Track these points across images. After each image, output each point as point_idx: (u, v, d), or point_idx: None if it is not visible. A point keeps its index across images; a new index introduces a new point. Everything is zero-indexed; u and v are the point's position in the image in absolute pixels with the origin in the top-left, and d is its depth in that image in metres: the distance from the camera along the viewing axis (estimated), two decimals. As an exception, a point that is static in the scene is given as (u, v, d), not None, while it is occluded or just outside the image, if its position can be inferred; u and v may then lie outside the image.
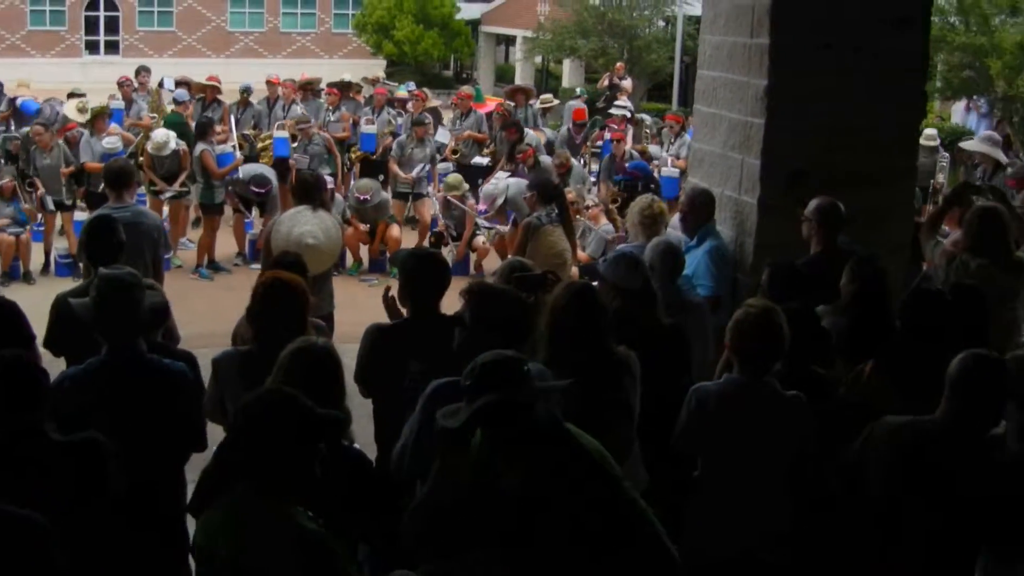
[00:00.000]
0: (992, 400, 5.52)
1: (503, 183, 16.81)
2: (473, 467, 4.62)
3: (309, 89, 21.36)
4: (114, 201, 9.71)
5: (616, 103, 25.76)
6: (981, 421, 5.57)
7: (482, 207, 16.90)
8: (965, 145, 15.66)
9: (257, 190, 16.84)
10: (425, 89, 23.16)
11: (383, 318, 7.20)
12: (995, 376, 5.48)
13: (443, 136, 20.11)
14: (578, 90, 28.76)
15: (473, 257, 17.30)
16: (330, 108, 20.60)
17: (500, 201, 16.46)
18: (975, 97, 25.63)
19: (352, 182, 18.81)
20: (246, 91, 20.84)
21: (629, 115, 23.13)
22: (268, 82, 21.31)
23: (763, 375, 6.15)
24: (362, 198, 16.81)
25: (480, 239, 17.05)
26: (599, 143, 21.26)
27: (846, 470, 5.88)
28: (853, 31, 8.87)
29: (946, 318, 6.63)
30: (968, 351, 5.61)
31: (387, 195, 17.89)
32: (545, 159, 17.60)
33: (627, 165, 17.52)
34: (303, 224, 10.23)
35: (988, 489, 5.43)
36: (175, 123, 18.57)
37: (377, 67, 50.85)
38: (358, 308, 11.56)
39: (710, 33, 9.85)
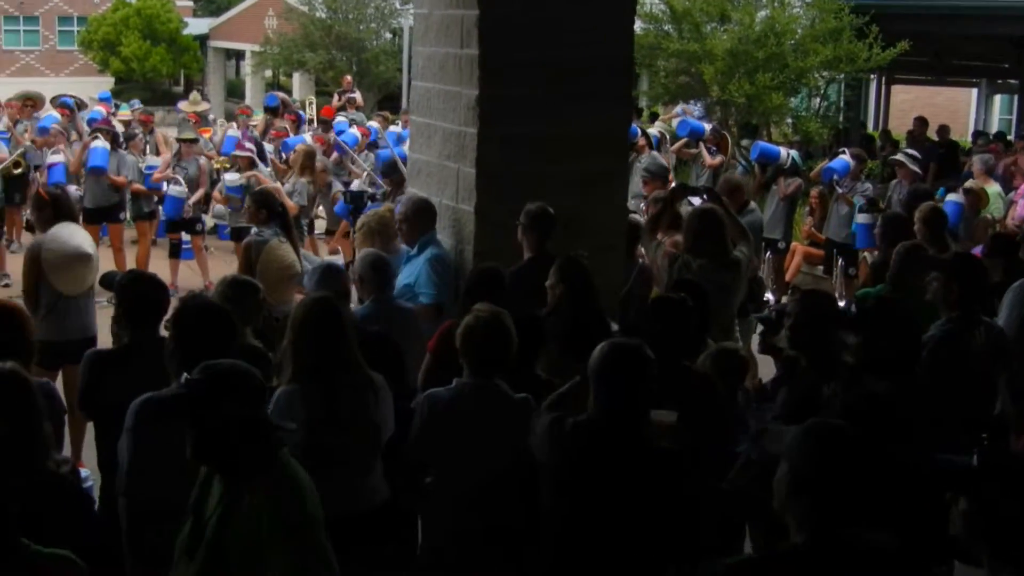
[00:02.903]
0: (634, 386, 5.43)
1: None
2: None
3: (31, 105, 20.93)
4: None
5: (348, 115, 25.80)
6: (629, 409, 5.45)
7: None
8: None
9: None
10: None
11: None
12: (634, 362, 5.45)
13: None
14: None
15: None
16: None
17: None
18: (692, 101, 26.44)
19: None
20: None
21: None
22: None
23: (492, 378, 6.24)
24: None
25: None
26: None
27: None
28: (558, 39, 9.07)
29: (684, 318, 6.83)
30: (606, 340, 5.66)
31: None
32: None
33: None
34: (78, 235, 10.02)
35: (650, 481, 5.39)
36: None
37: (105, 84, 49.77)
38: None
39: (422, 45, 10.00)
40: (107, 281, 7.55)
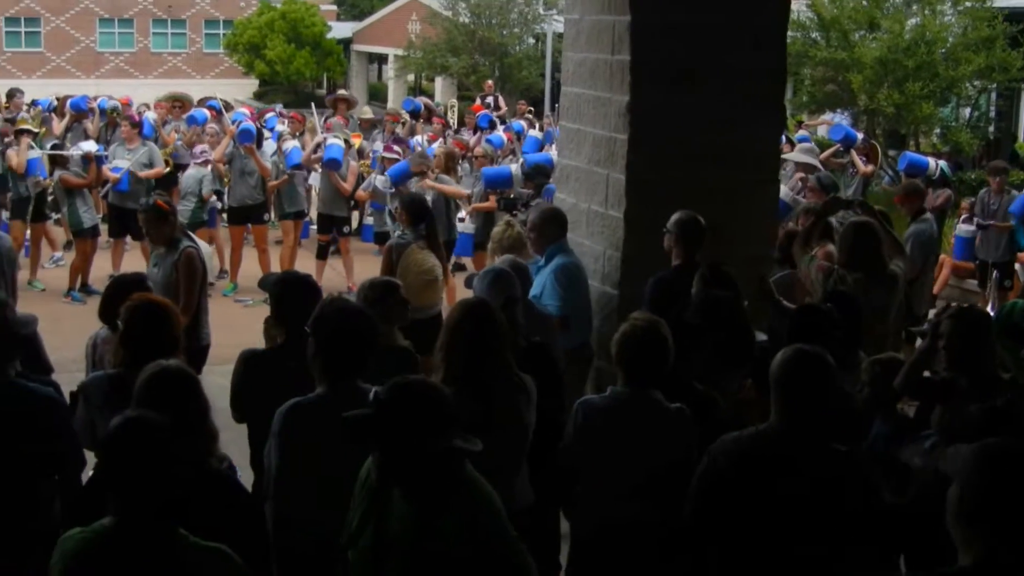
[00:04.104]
0: (819, 394, 5.36)
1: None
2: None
3: (179, 106, 21.32)
4: None
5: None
6: (814, 418, 5.38)
7: None
8: (786, 156, 16.03)
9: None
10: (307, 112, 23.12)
11: (259, 339, 7.19)
12: (817, 369, 5.37)
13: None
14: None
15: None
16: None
17: None
18: (839, 110, 26.11)
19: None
20: (115, 111, 20.64)
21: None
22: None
23: (648, 388, 6.15)
24: None
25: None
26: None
27: (692, 499, 5.71)
28: (710, 46, 8.99)
29: (829, 329, 6.71)
30: (789, 347, 5.54)
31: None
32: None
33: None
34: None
35: (834, 490, 5.34)
36: None
37: (250, 87, 50.68)
38: (234, 330, 11.54)
39: (572, 50, 9.96)
40: (264, 282, 7.58)
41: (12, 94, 22.97)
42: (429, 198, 14.47)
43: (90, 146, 17.24)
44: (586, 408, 6.26)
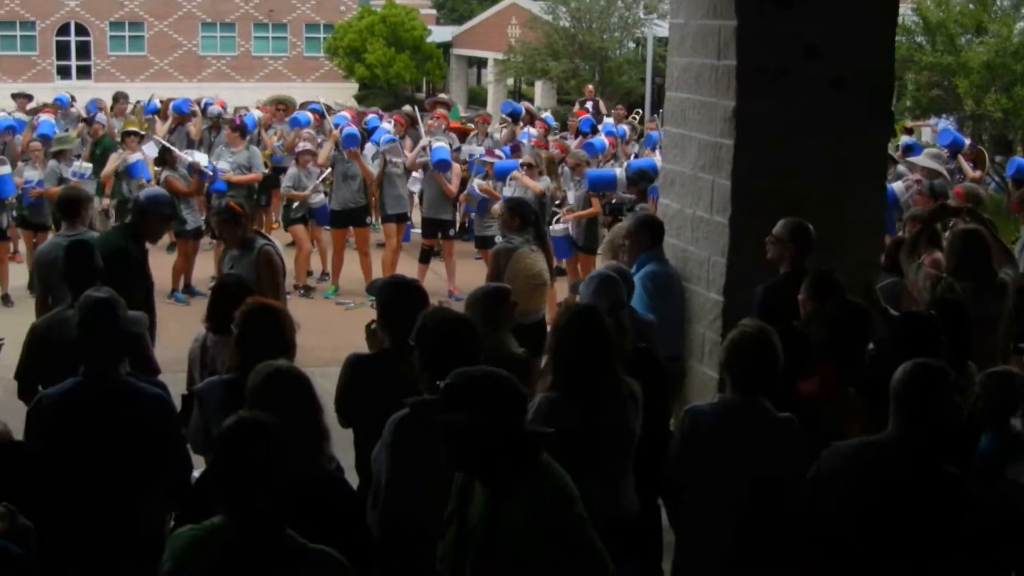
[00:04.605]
0: (939, 409, 5.34)
1: None
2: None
3: (282, 109, 21.53)
4: (67, 229, 9.60)
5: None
6: (932, 432, 5.35)
7: None
8: (913, 160, 15.81)
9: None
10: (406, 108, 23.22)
11: (359, 342, 7.21)
12: (940, 384, 5.34)
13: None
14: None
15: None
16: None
17: None
18: (944, 115, 25.79)
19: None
20: (218, 117, 20.89)
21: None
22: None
23: (757, 395, 6.10)
24: None
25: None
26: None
27: (803, 502, 5.72)
28: (818, 52, 8.89)
29: (935, 337, 6.60)
30: (911, 360, 5.47)
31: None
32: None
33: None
34: None
35: (950, 507, 5.30)
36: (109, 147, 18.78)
37: (350, 90, 50.98)
38: (333, 332, 11.59)
39: (677, 55, 9.89)
40: (372, 286, 7.60)
41: (117, 98, 23.30)
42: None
43: (202, 158, 17.39)
44: (694, 415, 6.22)
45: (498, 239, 11.68)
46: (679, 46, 9.84)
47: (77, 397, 5.89)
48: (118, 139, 18.34)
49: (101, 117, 20.53)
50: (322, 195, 17.05)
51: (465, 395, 4.55)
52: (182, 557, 4.27)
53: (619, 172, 15.75)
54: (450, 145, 18.14)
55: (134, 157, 17.04)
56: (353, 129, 17.65)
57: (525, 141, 19.65)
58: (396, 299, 6.80)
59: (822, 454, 5.59)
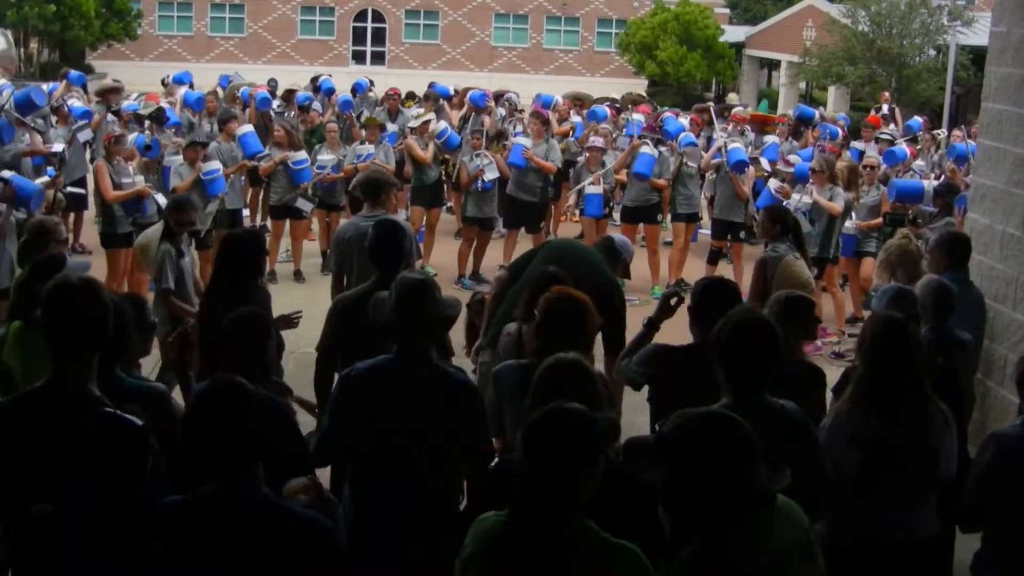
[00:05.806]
0: None
1: None
2: None
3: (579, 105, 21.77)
4: (368, 210, 9.85)
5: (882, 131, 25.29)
6: None
7: None
8: None
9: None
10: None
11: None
12: None
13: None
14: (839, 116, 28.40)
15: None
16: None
17: None
18: None
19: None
20: (513, 107, 21.14)
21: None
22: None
23: None
24: None
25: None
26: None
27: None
28: None
29: None
30: None
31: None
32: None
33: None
34: None
35: None
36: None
37: (639, 86, 50.96)
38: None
39: (997, 64, 9.57)
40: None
41: (413, 95, 23.48)
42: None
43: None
44: (998, 441, 5.93)
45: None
46: (999, 55, 9.51)
47: (386, 373, 5.97)
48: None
49: (317, 106, 20.90)
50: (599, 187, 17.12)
51: (682, 440, 4.18)
52: (484, 540, 4.33)
53: (927, 185, 15.31)
54: (746, 146, 17.95)
55: (364, 149, 17.39)
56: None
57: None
58: (706, 297, 6.79)
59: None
